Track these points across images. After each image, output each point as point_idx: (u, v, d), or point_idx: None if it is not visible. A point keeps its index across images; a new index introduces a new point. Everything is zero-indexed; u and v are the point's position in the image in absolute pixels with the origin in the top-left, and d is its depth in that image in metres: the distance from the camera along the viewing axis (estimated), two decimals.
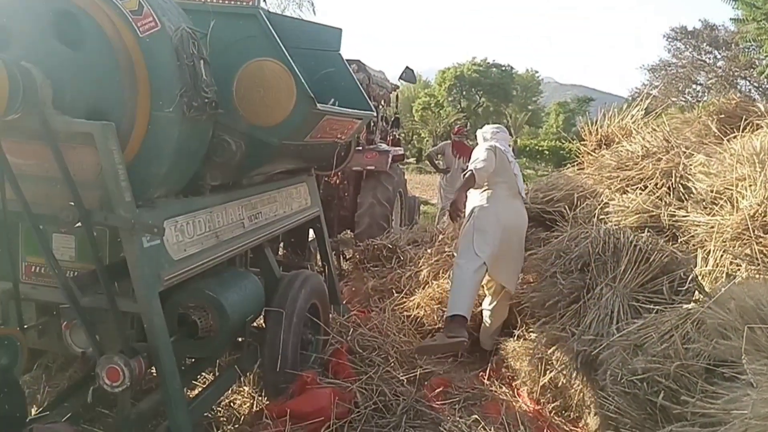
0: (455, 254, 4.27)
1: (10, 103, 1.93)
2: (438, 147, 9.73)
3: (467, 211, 4.12)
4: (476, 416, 3.10)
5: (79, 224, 2.13)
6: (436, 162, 9.21)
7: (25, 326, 2.37)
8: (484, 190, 4.09)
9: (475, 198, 4.13)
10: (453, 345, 3.76)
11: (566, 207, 4.40)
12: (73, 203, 2.10)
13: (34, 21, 2.16)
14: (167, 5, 2.34)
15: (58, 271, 2.16)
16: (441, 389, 3.47)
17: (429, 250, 5.17)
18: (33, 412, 2.96)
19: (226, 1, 2.78)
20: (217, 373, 3.40)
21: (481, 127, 4.62)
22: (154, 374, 2.55)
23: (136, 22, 2.19)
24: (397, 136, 8.99)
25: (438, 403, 3.30)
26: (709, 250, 3.15)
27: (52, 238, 2.34)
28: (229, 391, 3.32)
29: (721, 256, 3.07)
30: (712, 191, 3.54)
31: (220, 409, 3.30)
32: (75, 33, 2.17)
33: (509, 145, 4.45)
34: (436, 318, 4.33)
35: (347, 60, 3.80)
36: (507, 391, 3.74)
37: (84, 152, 2.15)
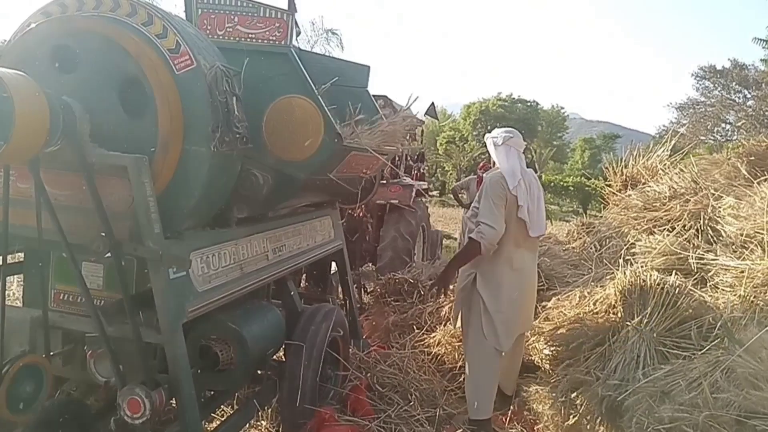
0: (465, 345, 3.73)
1: (51, 136, 2.01)
2: (463, 182, 9.76)
3: (462, 279, 3.65)
4: None
5: (109, 254, 2.17)
6: (460, 196, 9.22)
7: (51, 353, 2.40)
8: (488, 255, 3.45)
9: (478, 265, 3.52)
10: None
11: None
12: (104, 233, 2.15)
13: (75, 57, 2.25)
14: (203, 44, 2.43)
15: (89, 300, 2.20)
16: (461, 431, 3.40)
17: (451, 287, 5.14)
18: None
19: (260, 40, 2.86)
20: (235, 407, 3.39)
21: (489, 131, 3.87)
22: (173, 405, 2.55)
23: (172, 60, 2.27)
24: (422, 171, 9.04)
25: None
26: (739, 295, 3.07)
27: (81, 267, 2.39)
28: (247, 425, 3.30)
29: (752, 302, 2.99)
30: (741, 235, 3.47)
31: None
32: (115, 69, 2.25)
33: (524, 157, 3.71)
34: (457, 356, 4.27)
35: (374, 95, 3.86)
36: None
37: (117, 184, 2.21)
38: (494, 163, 3.68)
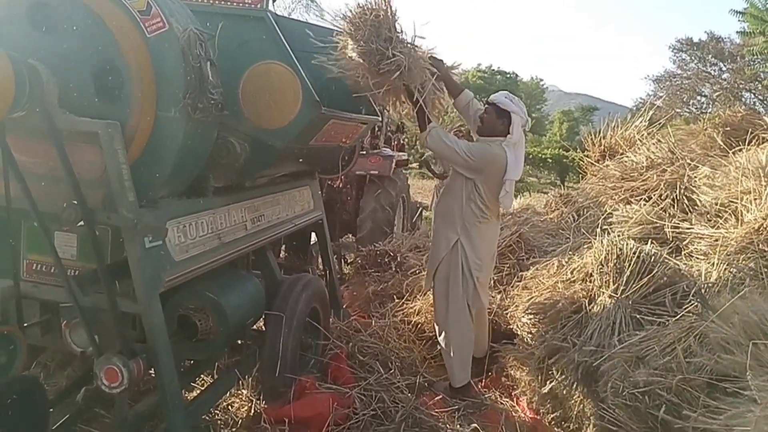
0: (441, 314, 3.69)
1: (17, 101, 1.93)
2: None
3: (441, 244, 3.60)
4: (475, 425, 3.10)
5: (81, 223, 2.12)
6: (433, 166, 9.15)
7: (26, 324, 2.36)
8: (474, 225, 3.52)
9: (465, 233, 3.55)
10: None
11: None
12: (75, 202, 2.10)
13: (40, 18, 2.16)
14: (175, 6, 2.34)
15: (61, 270, 2.15)
16: (440, 397, 3.45)
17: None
18: None
19: (235, 4, 2.78)
20: (215, 376, 3.39)
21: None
22: (153, 375, 2.54)
23: (143, 22, 2.19)
24: (402, 142, 8.98)
25: (437, 411, 3.28)
26: (713, 263, 3.13)
27: (54, 236, 2.34)
28: (227, 394, 3.30)
29: (725, 269, 3.05)
30: (716, 204, 3.53)
31: (217, 412, 3.28)
32: (83, 32, 2.16)
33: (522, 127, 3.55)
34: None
35: None
36: (506, 400, 3.73)
37: (88, 151, 2.15)
38: (490, 129, 3.53)
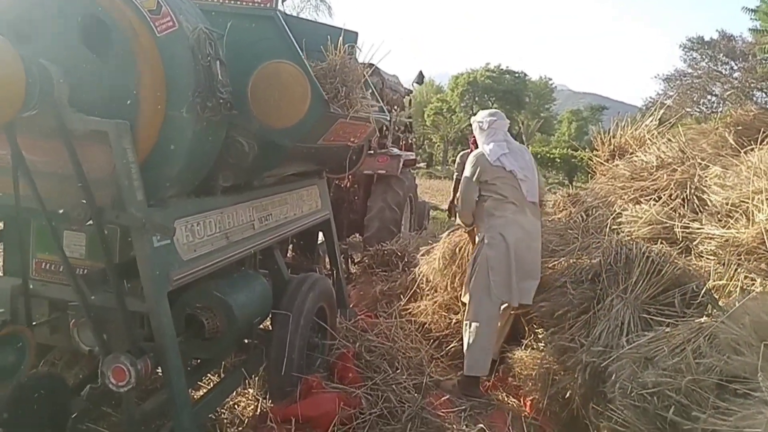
0: (468, 297, 3.90)
1: (27, 100, 1.93)
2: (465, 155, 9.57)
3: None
4: (482, 425, 3.09)
5: (90, 222, 2.13)
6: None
7: (35, 323, 2.37)
8: (487, 216, 3.81)
9: (479, 227, 3.92)
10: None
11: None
12: (85, 201, 2.11)
13: (52, 17, 2.17)
14: (185, 5, 2.35)
15: (68, 268, 2.16)
16: (447, 397, 3.44)
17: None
18: None
19: (244, 3, 2.78)
20: (222, 375, 3.40)
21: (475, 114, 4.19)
22: (160, 374, 2.55)
23: (154, 22, 2.19)
24: (410, 141, 8.96)
25: (444, 411, 3.27)
26: (723, 263, 3.10)
27: (63, 235, 2.35)
28: (234, 393, 3.31)
29: (736, 270, 3.03)
30: (727, 204, 3.50)
31: (224, 410, 3.29)
32: (92, 31, 2.17)
33: (507, 133, 3.99)
34: (443, 325, 4.31)
35: (362, 63, 3.78)
36: (513, 400, 3.71)
37: (98, 150, 2.15)
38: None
